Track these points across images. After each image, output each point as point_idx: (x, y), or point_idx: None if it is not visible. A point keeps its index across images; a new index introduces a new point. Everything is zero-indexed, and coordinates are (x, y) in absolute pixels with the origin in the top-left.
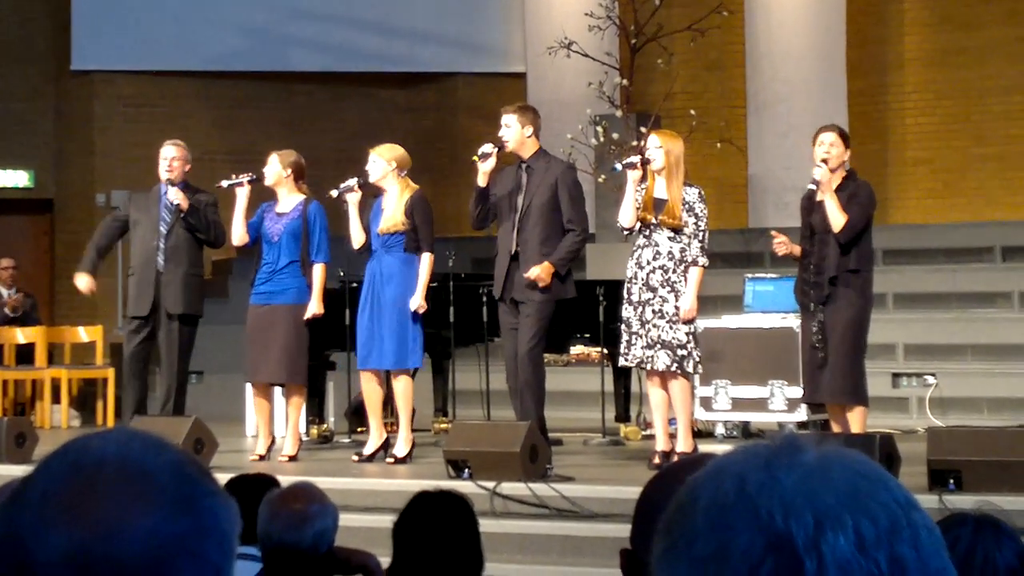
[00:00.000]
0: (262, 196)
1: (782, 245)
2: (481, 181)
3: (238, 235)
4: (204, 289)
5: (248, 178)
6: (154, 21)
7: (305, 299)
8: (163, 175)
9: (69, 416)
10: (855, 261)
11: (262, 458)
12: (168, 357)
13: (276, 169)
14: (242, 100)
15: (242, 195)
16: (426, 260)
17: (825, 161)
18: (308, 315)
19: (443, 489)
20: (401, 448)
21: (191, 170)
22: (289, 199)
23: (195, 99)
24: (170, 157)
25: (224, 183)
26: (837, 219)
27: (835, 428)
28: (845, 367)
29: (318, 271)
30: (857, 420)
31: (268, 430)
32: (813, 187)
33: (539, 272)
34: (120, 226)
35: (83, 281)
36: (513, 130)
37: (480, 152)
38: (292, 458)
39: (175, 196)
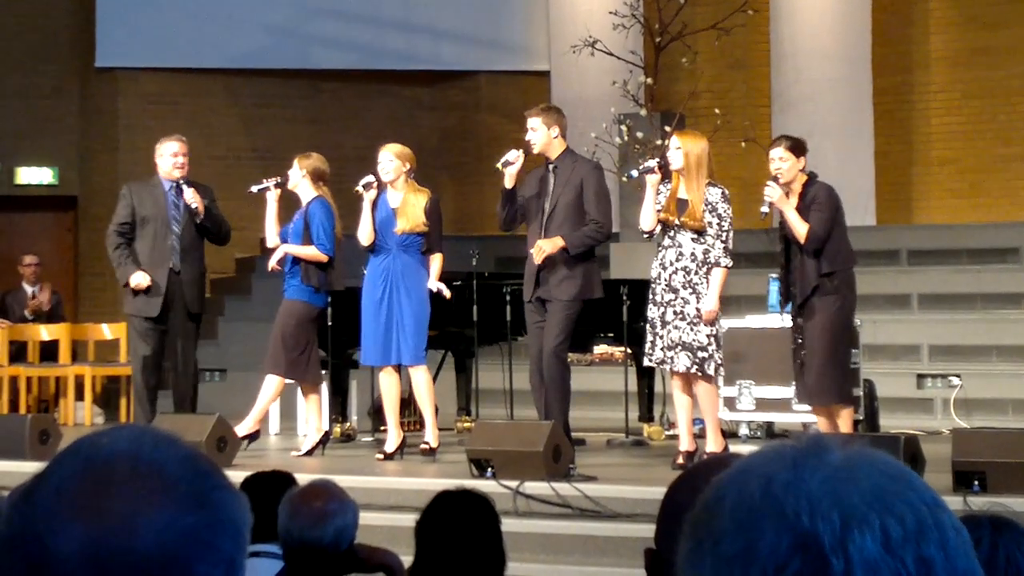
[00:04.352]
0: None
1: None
2: (508, 183)
3: (271, 238)
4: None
5: (274, 182)
6: (179, 18)
7: (303, 296)
8: (175, 173)
9: (93, 413)
10: (830, 263)
11: (314, 450)
12: (185, 355)
13: (295, 173)
14: (267, 98)
15: (271, 199)
16: (437, 260)
17: (776, 179)
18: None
19: (465, 488)
20: (432, 438)
21: (210, 164)
22: (305, 200)
23: (219, 97)
24: (181, 153)
25: (253, 188)
26: (800, 229)
27: (823, 429)
28: (826, 369)
29: (311, 248)
30: (844, 421)
31: (319, 421)
32: (766, 209)
33: (545, 246)
34: (126, 230)
35: (140, 277)
36: (540, 133)
37: (503, 161)
38: (248, 438)
39: (192, 199)
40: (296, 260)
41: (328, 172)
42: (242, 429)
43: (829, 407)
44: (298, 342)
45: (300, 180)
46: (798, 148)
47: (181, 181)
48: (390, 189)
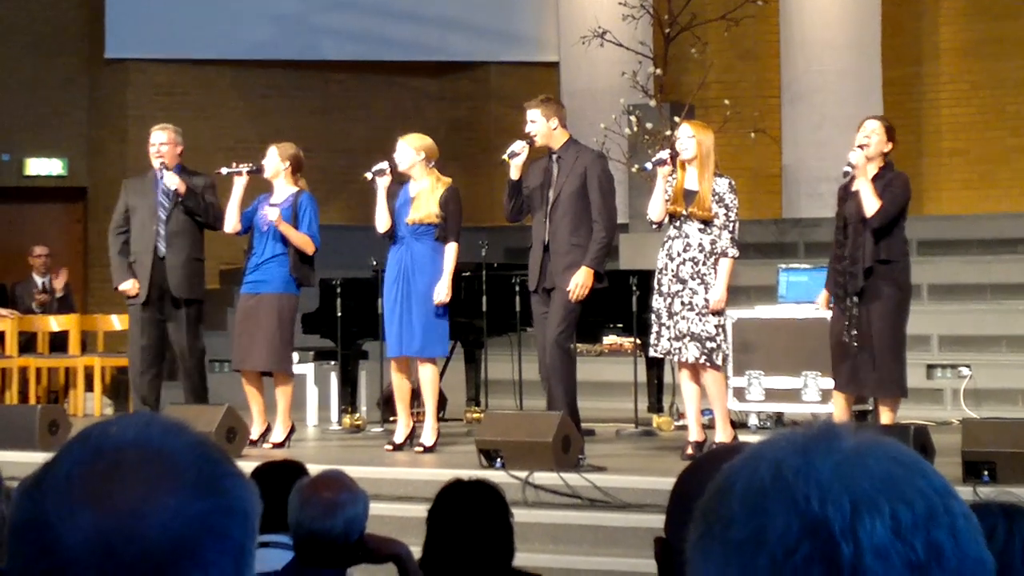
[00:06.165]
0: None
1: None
2: (514, 174)
3: (231, 223)
4: (204, 274)
5: (248, 168)
6: (187, 10)
7: (291, 289)
8: (155, 162)
9: (102, 404)
10: (887, 251)
11: (254, 443)
12: (180, 343)
13: (275, 161)
14: (275, 89)
15: (239, 184)
16: (451, 250)
17: (863, 147)
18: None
19: (477, 478)
20: (428, 437)
21: (218, 155)
22: (283, 191)
23: (228, 88)
24: (158, 142)
25: (224, 170)
26: (871, 203)
27: (839, 415)
28: (889, 360)
29: (304, 235)
30: (891, 412)
31: (262, 417)
32: (848, 169)
33: (580, 280)
34: (125, 230)
35: (129, 284)
36: (539, 124)
37: (509, 152)
38: (279, 445)
39: (171, 181)
40: (277, 253)
41: (304, 162)
42: (277, 436)
43: (891, 399)
44: (291, 335)
45: (281, 169)
46: (891, 132)
47: (164, 169)
48: (412, 179)
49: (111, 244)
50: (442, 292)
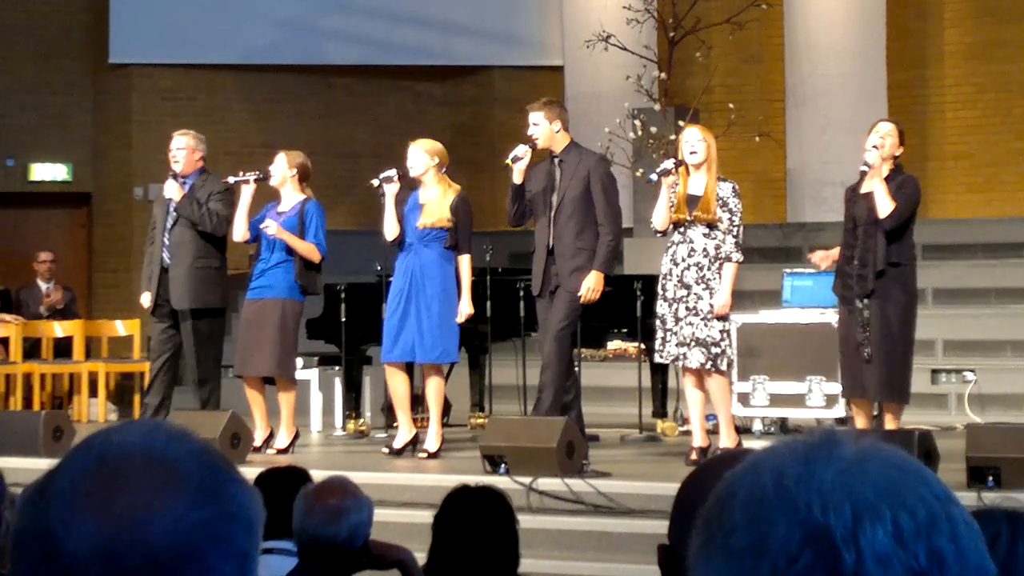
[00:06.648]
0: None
1: (824, 259)
2: (516, 178)
3: (240, 232)
4: (220, 280)
5: (255, 176)
6: (192, 14)
7: (295, 295)
8: (173, 167)
9: (107, 410)
10: (897, 254)
11: (257, 450)
12: (188, 354)
13: (282, 169)
14: (279, 93)
15: (247, 192)
16: (465, 262)
17: (878, 147)
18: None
19: (483, 484)
20: (432, 443)
21: (223, 160)
22: (290, 198)
23: (232, 92)
24: (174, 148)
25: (231, 179)
26: (885, 205)
27: (861, 424)
28: (896, 365)
29: (309, 244)
30: (895, 417)
31: (265, 423)
32: (865, 168)
33: (591, 284)
34: (152, 239)
35: (145, 298)
36: (541, 127)
37: (512, 156)
38: (283, 451)
39: (168, 190)
40: (282, 260)
41: (311, 171)
42: (281, 442)
43: (896, 404)
44: (294, 341)
45: (288, 176)
46: (903, 136)
47: (172, 176)
48: (421, 185)
49: (145, 254)
50: (464, 309)
